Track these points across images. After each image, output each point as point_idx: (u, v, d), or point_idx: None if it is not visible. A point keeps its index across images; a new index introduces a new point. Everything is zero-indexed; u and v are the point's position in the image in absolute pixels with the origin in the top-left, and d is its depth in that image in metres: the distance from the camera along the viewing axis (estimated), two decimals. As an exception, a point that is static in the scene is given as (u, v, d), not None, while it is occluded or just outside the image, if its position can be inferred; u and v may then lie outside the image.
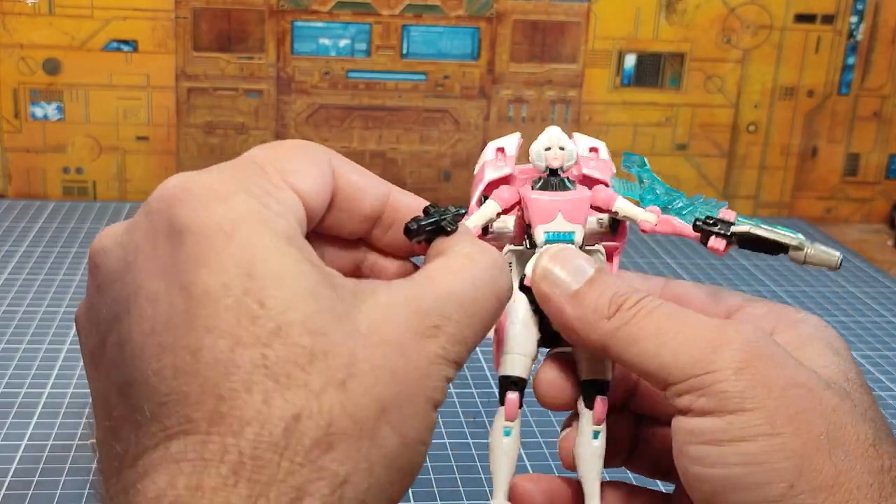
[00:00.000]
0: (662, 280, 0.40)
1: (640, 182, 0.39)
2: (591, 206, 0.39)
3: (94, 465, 0.54)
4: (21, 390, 0.62)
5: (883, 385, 0.68)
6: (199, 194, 0.29)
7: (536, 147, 0.39)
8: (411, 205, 0.36)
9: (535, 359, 0.40)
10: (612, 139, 1.04)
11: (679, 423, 0.33)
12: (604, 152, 0.41)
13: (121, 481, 0.27)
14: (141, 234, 0.30)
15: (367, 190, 0.35)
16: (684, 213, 0.38)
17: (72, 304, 0.74)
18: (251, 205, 0.29)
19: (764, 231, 0.37)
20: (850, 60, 1.06)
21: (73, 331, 0.71)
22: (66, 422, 0.59)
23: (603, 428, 0.38)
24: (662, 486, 0.47)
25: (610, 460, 0.39)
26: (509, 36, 1.01)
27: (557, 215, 0.39)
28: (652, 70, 1.04)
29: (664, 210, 0.39)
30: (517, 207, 0.40)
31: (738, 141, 1.08)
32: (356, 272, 0.37)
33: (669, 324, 0.34)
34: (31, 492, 0.52)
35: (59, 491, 0.52)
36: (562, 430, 0.40)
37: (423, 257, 0.35)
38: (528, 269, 0.38)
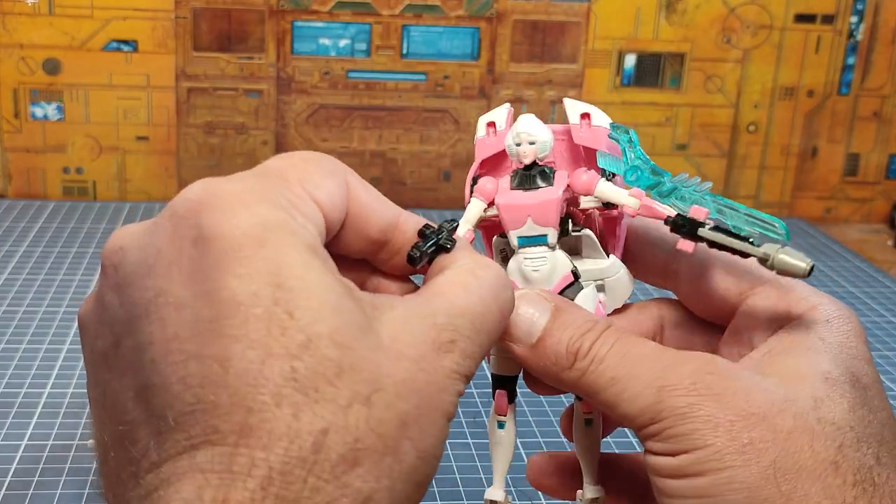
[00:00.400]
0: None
1: (626, 158, 0.38)
2: (571, 193, 0.39)
3: (95, 466, 0.54)
4: (21, 390, 0.62)
5: (883, 385, 0.68)
6: (227, 201, 0.28)
7: (508, 140, 0.39)
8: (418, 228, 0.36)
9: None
10: (612, 139, 1.04)
11: (647, 459, 0.35)
12: (597, 118, 0.39)
13: (139, 486, 0.27)
14: (164, 237, 0.29)
15: (378, 212, 0.35)
16: (670, 195, 0.38)
17: (72, 304, 0.74)
18: (278, 214, 0.29)
19: (729, 240, 0.36)
20: (850, 60, 1.06)
21: (74, 331, 0.71)
22: (66, 422, 0.59)
23: (593, 415, 0.40)
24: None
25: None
26: (509, 36, 1.01)
27: (527, 220, 0.38)
28: (652, 70, 1.04)
29: (648, 192, 0.38)
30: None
31: (738, 141, 1.08)
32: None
33: (622, 371, 0.35)
34: (31, 492, 0.52)
35: (59, 491, 0.52)
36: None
37: (423, 276, 0.36)
38: (513, 275, 0.39)
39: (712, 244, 0.36)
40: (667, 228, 0.38)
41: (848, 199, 1.11)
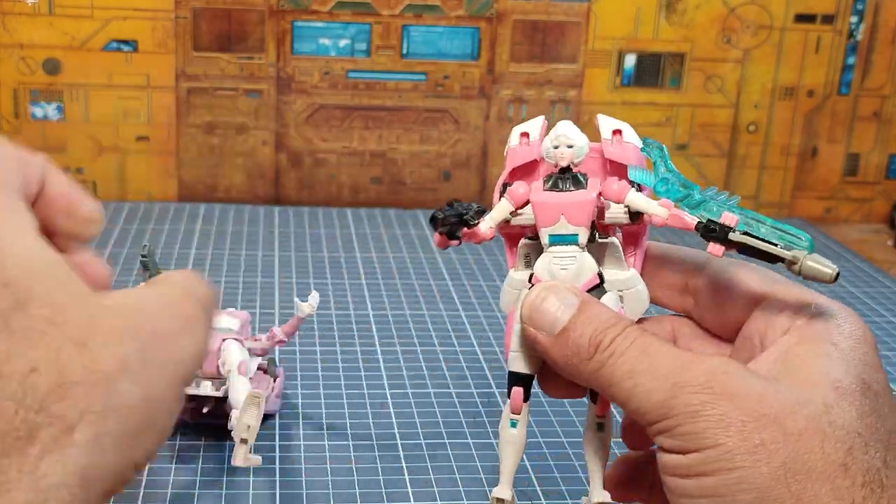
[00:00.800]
0: (704, 256, 0.41)
1: (656, 171, 0.39)
2: (601, 202, 0.40)
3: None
4: (21, 390, 0.62)
5: (883, 385, 0.68)
6: None
7: (546, 143, 0.40)
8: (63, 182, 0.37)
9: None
10: (612, 139, 1.04)
11: (659, 456, 0.35)
12: (628, 134, 0.41)
13: None
14: None
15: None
16: (698, 207, 0.39)
17: (72, 304, 0.74)
18: None
19: (760, 243, 0.37)
20: (850, 60, 1.06)
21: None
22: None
23: (605, 420, 0.41)
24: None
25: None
26: (509, 36, 1.01)
27: (560, 218, 0.39)
28: (652, 70, 1.04)
29: (677, 203, 0.39)
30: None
31: (738, 141, 1.08)
32: None
33: (640, 366, 0.36)
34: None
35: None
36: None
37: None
38: (537, 269, 0.40)
39: (742, 248, 0.37)
40: (686, 251, 0.40)
41: (848, 199, 1.11)
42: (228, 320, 0.58)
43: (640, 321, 0.41)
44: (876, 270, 0.94)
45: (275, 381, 0.60)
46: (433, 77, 1.02)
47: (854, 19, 1.05)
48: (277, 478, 0.54)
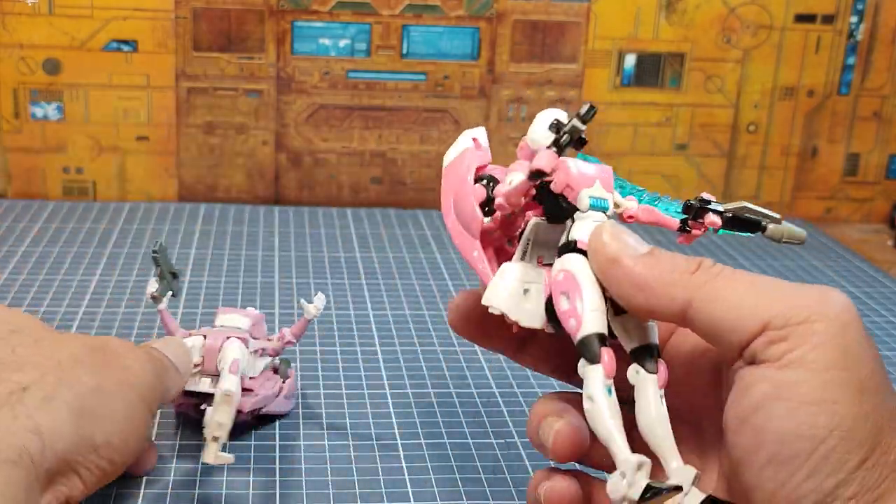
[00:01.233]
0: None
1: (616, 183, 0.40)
2: None
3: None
4: (21, 390, 0.62)
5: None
6: None
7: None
8: None
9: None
10: (612, 139, 1.04)
11: (763, 374, 0.32)
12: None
13: None
14: None
15: None
16: (654, 203, 0.40)
17: (72, 304, 0.74)
18: None
19: (739, 210, 0.38)
20: (850, 60, 1.06)
21: (73, 330, 0.71)
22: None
23: (663, 392, 0.37)
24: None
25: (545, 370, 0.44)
26: (509, 36, 1.01)
27: (596, 182, 0.39)
28: (652, 70, 1.04)
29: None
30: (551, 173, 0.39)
31: (738, 141, 1.08)
32: None
33: (762, 280, 0.34)
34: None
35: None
36: (552, 425, 0.40)
37: None
38: (579, 234, 0.37)
39: (734, 218, 0.38)
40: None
41: (848, 199, 1.11)
42: (239, 319, 0.58)
43: None
44: (876, 270, 0.94)
45: (283, 381, 0.60)
46: (433, 77, 1.02)
47: (854, 19, 1.05)
48: (277, 478, 0.54)
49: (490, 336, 0.42)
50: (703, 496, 0.35)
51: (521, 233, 0.40)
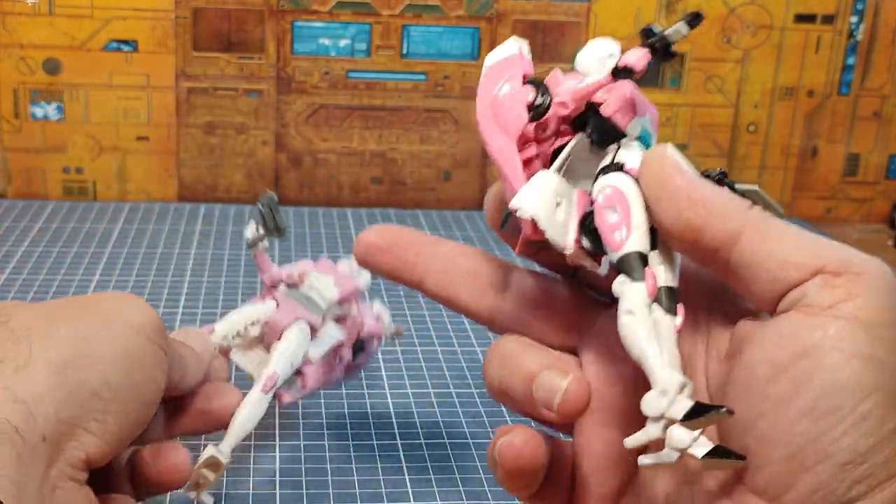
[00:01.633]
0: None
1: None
2: None
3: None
4: (21, 390, 0.62)
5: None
6: None
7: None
8: None
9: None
10: (612, 139, 1.04)
11: (811, 321, 0.30)
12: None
13: None
14: None
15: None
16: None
17: (72, 304, 0.74)
18: None
19: (759, 197, 0.36)
20: (850, 60, 1.06)
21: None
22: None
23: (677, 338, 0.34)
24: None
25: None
26: (509, 36, 1.01)
27: (647, 114, 0.36)
28: (652, 70, 1.04)
29: None
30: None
31: (738, 141, 1.08)
32: None
33: (811, 234, 0.32)
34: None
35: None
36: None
37: None
38: (626, 159, 0.35)
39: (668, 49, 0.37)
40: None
41: (848, 199, 1.11)
42: (328, 288, 0.54)
43: None
44: (876, 270, 0.93)
45: (352, 359, 0.57)
46: (433, 77, 1.02)
47: (854, 19, 1.05)
48: (277, 478, 0.54)
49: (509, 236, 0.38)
50: (710, 445, 0.31)
51: (558, 152, 0.36)
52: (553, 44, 1.02)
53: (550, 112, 0.36)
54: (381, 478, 0.55)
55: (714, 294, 0.35)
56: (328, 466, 0.56)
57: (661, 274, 0.34)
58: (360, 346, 0.57)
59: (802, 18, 1.04)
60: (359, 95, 1.01)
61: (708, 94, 1.06)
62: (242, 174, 1.02)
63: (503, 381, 0.36)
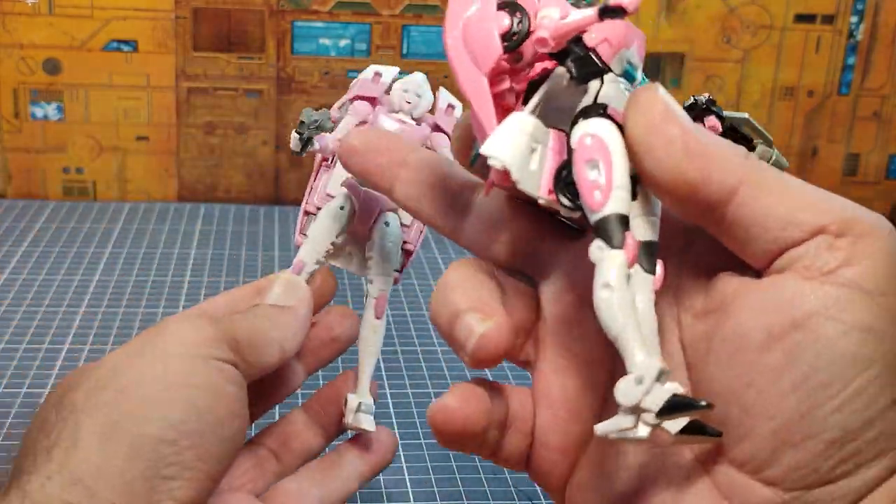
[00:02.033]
0: None
1: None
2: None
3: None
4: (21, 390, 0.62)
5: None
6: None
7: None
8: None
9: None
10: (612, 139, 1.04)
11: (810, 287, 0.28)
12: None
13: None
14: None
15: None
16: None
17: (72, 303, 0.74)
18: None
19: (750, 125, 0.39)
20: (850, 60, 1.06)
21: (74, 331, 0.71)
22: (67, 422, 0.59)
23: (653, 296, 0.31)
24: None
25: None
26: (509, 36, 1.01)
27: (634, 45, 0.32)
28: (652, 70, 1.04)
29: None
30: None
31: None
32: None
33: (815, 188, 0.30)
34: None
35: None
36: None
37: None
38: (610, 100, 0.31)
39: (728, 129, 0.38)
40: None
41: (848, 198, 1.11)
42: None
43: None
44: (876, 270, 0.93)
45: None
46: (433, 77, 1.01)
47: (854, 19, 1.05)
48: (277, 478, 0.54)
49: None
50: (685, 420, 0.28)
51: (533, 84, 0.33)
52: (553, 44, 1.02)
53: (527, 43, 0.32)
54: (382, 478, 0.55)
55: (688, 240, 0.32)
56: (328, 466, 0.56)
57: (641, 227, 0.30)
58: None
59: (802, 18, 1.04)
60: (359, 95, 1.01)
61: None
62: (242, 174, 1.02)
63: (435, 313, 0.32)
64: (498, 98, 0.32)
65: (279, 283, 0.44)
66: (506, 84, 0.32)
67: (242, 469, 0.44)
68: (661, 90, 0.29)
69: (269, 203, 1.03)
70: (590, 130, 0.30)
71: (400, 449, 0.58)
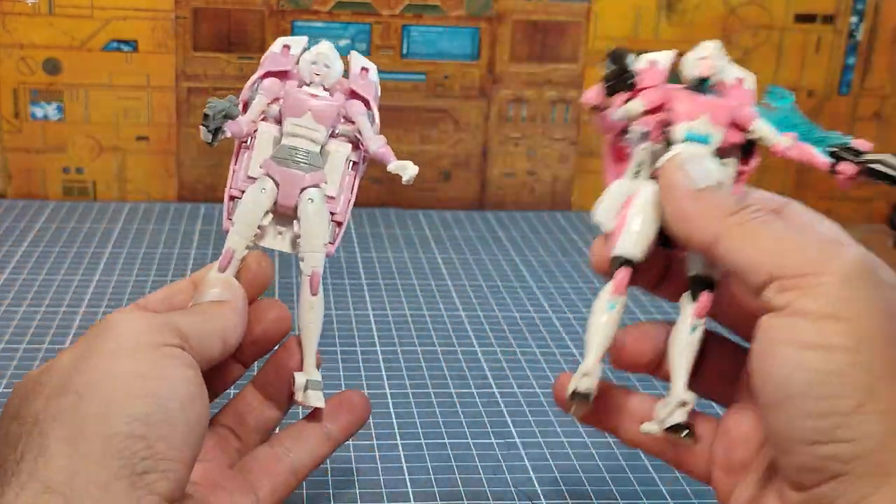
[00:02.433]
0: (784, 201, 0.43)
1: (784, 114, 0.42)
2: (730, 122, 0.41)
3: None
4: (21, 390, 0.62)
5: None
6: None
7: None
8: None
9: (651, 247, 0.41)
10: (612, 139, 1.04)
11: (770, 321, 0.35)
12: (749, 82, 0.46)
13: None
14: None
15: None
16: (820, 143, 0.41)
17: (72, 304, 0.74)
18: None
19: (888, 169, 0.41)
20: (850, 60, 1.06)
21: (74, 331, 0.71)
22: (67, 422, 0.59)
23: (702, 323, 0.41)
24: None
25: (643, 284, 0.44)
26: (509, 36, 1.01)
27: (702, 115, 0.41)
28: (652, 70, 1.04)
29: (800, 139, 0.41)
30: (663, 107, 0.42)
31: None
32: None
33: (789, 232, 0.37)
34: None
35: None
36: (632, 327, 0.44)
37: None
38: (660, 162, 0.40)
39: (871, 171, 0.41)
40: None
41: (848, 199, 1.11)
42: (310, 125, 0.48)
43: None
44: (876, 270, 0.93)
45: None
46: (433, 77, 1.02)
47: (854, 19, 1.05)
48: (277, 478, 0.54)
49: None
50: (678, 420, 0.40)
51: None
52: (553, 44, 1.02)
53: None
54: (382, 478, 0.55)
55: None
56: (328, 466, 0.56)
57: (693, 266, 0.41)
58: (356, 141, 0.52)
59: (802, 18, 1.04)
60: (359, 95, 1.01)
61: (708, 94, 1.06)
62: (242, 174, 1.02)
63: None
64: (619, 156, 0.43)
65: (214, 282, 0.47)
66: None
67: (205, 449, 0.44)
68: (671, 163, 0.39)
69: (269, 203, 1.03)
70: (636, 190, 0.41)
71: (400, 449, 0.58)
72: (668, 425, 0.40)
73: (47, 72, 0.97)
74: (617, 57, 0.41)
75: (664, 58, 0.43)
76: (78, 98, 0.98)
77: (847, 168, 0.40)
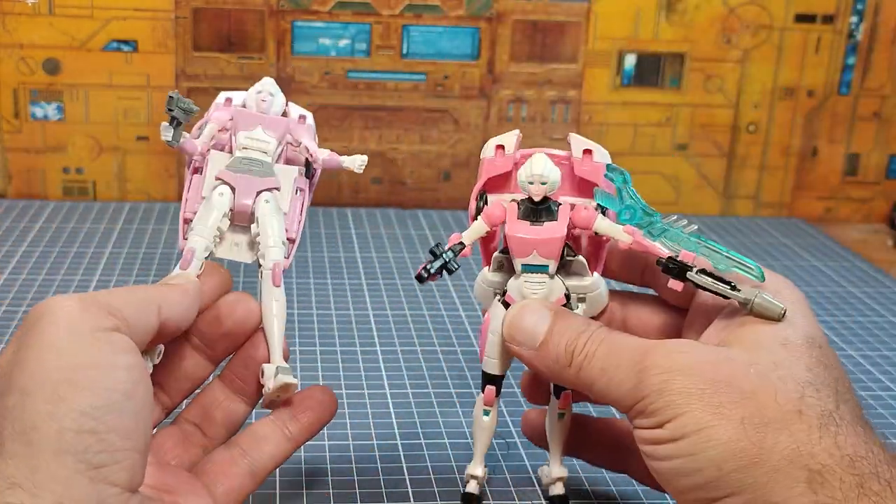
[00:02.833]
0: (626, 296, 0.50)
1: (621, 198, 0.45)
2: (572, 227, 0.46)
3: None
4: (21, 390, 0.62)
5: (883, 385, 0.68)
6: None
7: (521, 178, 0.46)
8: None
9: (509, 362, 0.48)
10: (612, 139, 1.04)
11: (636, 433, 0.41)
12: (599, 154, 0.47)
13: None
14: None
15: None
16: (660, 235, 0.44)
17: (72, 304, 0.74)
18: None
19: (712, 284, 0.43)
20: (850, 60, 1.06)
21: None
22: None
23: (566, 411, 0.50)
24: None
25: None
26: (509, 36, 1.01)
27: (533, 252, 0.45)
28: (652, 70, 1.04)
29: (640, 229, 0.45)
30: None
31: (738, 141, 1.08)
32: None
33: (609, 362, 0.42)
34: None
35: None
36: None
37: None
38: (509, 289, 0.47)
39: (698, 286, 0.43)
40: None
41: (848, 199, 1.11)
42: (262, 137, 0.50)
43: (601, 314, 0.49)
44: (876, 270, 0.94)
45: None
46: (433, 77, 1.02)
47: (854, 19, 1.05)
48: (277, 478, 0.54)
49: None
50: (559, 493, 0.52)
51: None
52: (553, 44, 1.02)
53: None
54: (382, 478, 0.55)
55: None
56: (328, 466, 0.56)
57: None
58: (308, 166, 0.55)
59: (802, 18, 1.04)
60: (359, 95, 1.01)
61: (708, 95, 1.06)
62: (242, 174, 1.02)
63: None
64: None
65: (172, 276, 0.46)
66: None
67: (167, 447, 0.45)
68: (506, 324, 0.46)
69: (269, 203, 1.03)
70: (490, 310, 0.49)
71: (400, 449, 0.58)
72: (550, 495, 0.52)
73: (47, 72, 0.97)
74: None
75: (509, 140, 0.48)
76: (78, 98, 0.98)
77: (675, 285, 0.44)
